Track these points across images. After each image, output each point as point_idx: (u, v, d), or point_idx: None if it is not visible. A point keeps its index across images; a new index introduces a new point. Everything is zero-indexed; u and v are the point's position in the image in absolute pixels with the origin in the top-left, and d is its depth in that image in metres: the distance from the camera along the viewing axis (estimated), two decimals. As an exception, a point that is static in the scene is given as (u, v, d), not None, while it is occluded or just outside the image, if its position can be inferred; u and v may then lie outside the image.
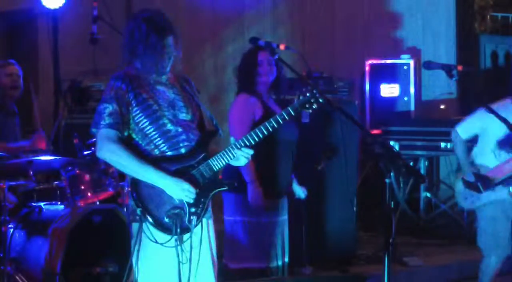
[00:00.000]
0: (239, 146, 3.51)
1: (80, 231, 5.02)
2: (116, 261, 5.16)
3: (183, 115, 3.54)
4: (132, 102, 3.46)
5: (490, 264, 5.32)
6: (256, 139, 3.53)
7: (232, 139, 3.56)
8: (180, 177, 3.42)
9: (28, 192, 5.44)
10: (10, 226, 5.17)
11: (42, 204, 5.36)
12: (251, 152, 3.52)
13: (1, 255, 5.03)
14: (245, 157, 3.53)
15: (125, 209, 5.44)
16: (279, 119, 3.55)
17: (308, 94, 3.54)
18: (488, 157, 5.30)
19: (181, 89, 3.62)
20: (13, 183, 5.29)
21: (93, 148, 5.39)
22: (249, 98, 4.64)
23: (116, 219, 5.18)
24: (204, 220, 3.54)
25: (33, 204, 5.36)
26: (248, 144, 3.52)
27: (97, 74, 7.53)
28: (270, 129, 3.54)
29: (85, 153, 5.35)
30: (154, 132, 3.47)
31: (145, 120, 3.47)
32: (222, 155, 3.51)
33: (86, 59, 7.63)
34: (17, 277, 5.06)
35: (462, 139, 5.35)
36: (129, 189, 3.48)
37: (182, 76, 3.70)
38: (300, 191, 4.90)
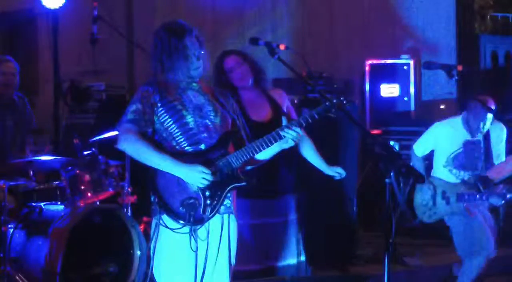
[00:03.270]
0: (290, 126, 3.57)
1: (80, 231, 5.02)
2: (116, 261, 5.16)
3: (211, 118, 3.63)
4: (158, 103, 3.59)
5: (473, 265, 5.31)
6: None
7: (284, 121, 3.60)
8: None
9: (28, 192, 5.43)
10: (10, 226, 5.16)
11: (42, 204, 5.36)
12: (300, 131, 3.59)
13: (1, 255, 5.03)
14: (292, 138, 3.57)
15: (125, 209, 5.47)
16: (303, 122, 3.60)
17: (334, 101, 3.57)
18: (442, 172, 5.47)
19: (214, 98, 3.72)
20: (13, 183, 5.29)
21: (93, 148, 5.40)
22: None
23: (116, 219, 5.18)
24: (225, 216, 3.60)
25: (33, 204, 5.36)
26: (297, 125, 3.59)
27: (97, 74, 7.54)
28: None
29: (85, 153, 5.35)
30: (176, 130, 3.57)
31: (169, 119, 3.58)
32: (243, 152, 3.57)
33: (86, 59, 7.64)
34: (17, 277, 5.06)
35: (418, 157, 5.53)
36: (148, 180, 3.53)
37: (220, 91, 3.81)
38: (334, 172, 4.74)
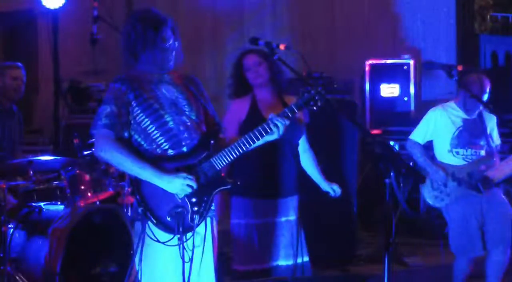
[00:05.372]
0: (271, 121, 3.53)
1: (80, 231, 5.01)
2: (116, 261, 5.16)
3: (186, 114, 3.54)
4: (132, 102, 3.47)
5: (461, 266, 5.39)
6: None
7: (271, 115, 3.58)
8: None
9: (28, 192, 5.43)
10: (10, 226, 5.16)
11: (42, 204, 5.36)
12: (287, 121, 3.55)
13: (1, 255, 5.02)
14: (275, 132, 3.54)
15: (125, 209, 5.46)
16: (284, 117, 3.56)
17: (312, 92, 3.55)
18: (447, 157, 5.45)
19: (186, 88, 3.62)
20: (13, 183, 5.29)
21: (93, 148, 5.40)
22: (234, 104, 4.66)
23: (116, 219, 5.18)
24: (207, 219, 3.55)
25: (33, 204, 5.36)
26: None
27: (97, 74, 7.55)
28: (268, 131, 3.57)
29: (85, 153, 5.35)
30: (155, 131, 3.47)
31: (147, 119, 3.47)
32: (226, 153, 3.51)
33: (86, 59, 7.65)
34: (17, 277, 5.05)
35: (419, 144, 5.49)
36: (132, 188, 3.48)
37: (189, 77, 3.70)
38: (330, 188, 4.81)
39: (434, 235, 7.30)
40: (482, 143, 5.40)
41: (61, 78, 7.09)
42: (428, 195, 5.46)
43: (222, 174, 3.54)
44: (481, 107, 5.35)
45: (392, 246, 3.39)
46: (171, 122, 3.48)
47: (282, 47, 3.94)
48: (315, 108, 3.58)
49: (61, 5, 6.71)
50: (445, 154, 5.43)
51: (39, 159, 5.34)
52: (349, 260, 6.32)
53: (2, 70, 5.80)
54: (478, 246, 5.32)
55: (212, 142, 3.53)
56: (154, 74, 3.56)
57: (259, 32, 8.21)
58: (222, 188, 3.53)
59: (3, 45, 8.00)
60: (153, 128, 3.47)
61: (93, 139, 3.55)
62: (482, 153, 5.39)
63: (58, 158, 5.53)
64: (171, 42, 3.53)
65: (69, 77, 7.28)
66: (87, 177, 5.35)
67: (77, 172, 5.32)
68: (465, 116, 5.39)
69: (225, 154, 3.50)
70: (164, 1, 7.76)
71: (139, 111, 3.47)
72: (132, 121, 3.48)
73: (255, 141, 3.53)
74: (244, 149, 3.52)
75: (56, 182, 5.48)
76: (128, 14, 3.59)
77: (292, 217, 4.70)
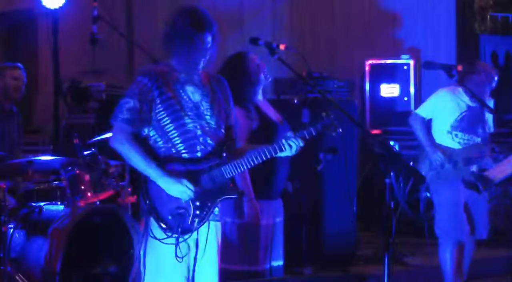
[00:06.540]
0: (291, 139, 3.53)
1: (80, 231, 5.01)
2: (116, 261, 5.16)
3: (207, 118, 3.56)
4: (156, 99, 3.50)
5: (449, 251, 5.39)
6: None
7: (287, 134, 3.57)
8: (184, 178, 3.45)
9: (28, 192, 5.43)
10: (10, 226, 5.16)
11: (42, 204, 5.36)
12: (303, 144, 3.55)
13: (1, 255, 5.02)
14: (291, 150, 3.55)
15: (125, 209, 5.46)
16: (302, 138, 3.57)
17: (332, 117, 3.54)
18: (445, 139, 5.49)
19: (211, 91, 3.63)
20: (13, 183, 5.29)
21: (93, 148, 5.40)
22: (246, 113, 4.53)
23: (116, 219, 5.18)
24: (212, 223, 3.57)
25: (33, 204, 5.36)
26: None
27: (97, 74, 7.54)
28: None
29: (85, 153, 5.35)
30: (174, 131, 3.50)
31: (167, 118, 3.50)
32: (237, 164, 3.53)
33: (86, 59, 7.65)
34: (17, 277, 5.05)
35: (423, 119, 5.53)
36: (140, 183, 3.52)
37: (217, 77, 3.72)
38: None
39: (434, 235, 7.31)
40: (480, 130, 5.49)
41: (61, 78, 7.08)
42: (426, 174, 5.51)
43: (231, 184, 3.57)
44: (486, 97, 5.46)
45: (392, 246, 3.39)
46: (190, 125, 3.51)
47: (282, 47, 3.94)
48: (334, 133, 3.57)
49: (61, 5, 6.71)
50: (443, 135, 5.49)
51: (39, 159, 5.33)
52: (349, 260, 6.32)
53: (3, 71, 5.83)
54: (466, 230, 5.35)
55: (225, 154, 3.56)
56: (182, 73, 3.57)
57: (259, 32, 8.21)
58: (228, 196, 3.56)
59: (3, 45, 8.00)
60: (171, 128, 3.50)
61: (108, 134, 3.58)
62: (478, 139, 5.46)
63: (58, 158, 5.53)
64: (207, 46, 3.54)
65: (69, 77, 7.28)
66: (87, 177, 5.34)
67: (77, 172, 5.32)
68: (470, 103, 5.47)
69: (236, 165, 3.53)
70: (164, 1, 7.77)
71: (161, 109, 3.50)
72: (153, 117, 3.52)
73: (268, 156, 3.57)
74: (255, 162, 3.56)
75: (56, 182, 5.48)
76: (181, 6, 3.54)
77: (280, 219, 4.71)
